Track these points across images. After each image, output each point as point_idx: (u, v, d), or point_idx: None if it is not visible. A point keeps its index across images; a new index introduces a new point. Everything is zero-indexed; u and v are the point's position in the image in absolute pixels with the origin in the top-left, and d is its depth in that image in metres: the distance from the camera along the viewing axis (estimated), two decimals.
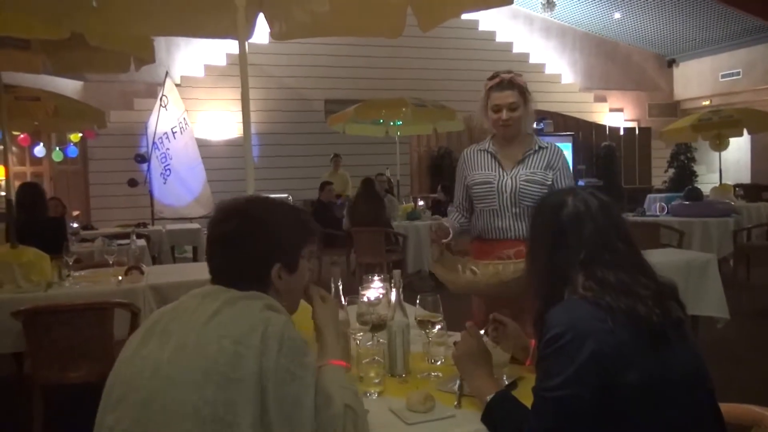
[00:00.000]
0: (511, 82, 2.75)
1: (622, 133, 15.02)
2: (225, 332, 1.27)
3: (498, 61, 13.67)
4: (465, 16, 13.17)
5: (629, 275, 1.40)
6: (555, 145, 2.89)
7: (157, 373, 1.26)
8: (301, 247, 1.50)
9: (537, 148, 2.83)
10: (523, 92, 2.76)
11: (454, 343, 1.75)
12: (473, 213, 2.90)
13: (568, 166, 2.89)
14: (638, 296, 1.36)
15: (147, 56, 4.35)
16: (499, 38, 14.75)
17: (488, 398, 1.49)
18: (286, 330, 1.30)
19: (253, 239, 1.43)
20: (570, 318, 1.35)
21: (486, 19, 14.44)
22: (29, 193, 4.95)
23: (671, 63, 16.33)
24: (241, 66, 2.43)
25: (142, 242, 6.08)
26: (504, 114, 2.74)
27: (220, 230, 1.45)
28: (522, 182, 2.74)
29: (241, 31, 2.42)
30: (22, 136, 9.33)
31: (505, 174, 2.79)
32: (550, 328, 1.36)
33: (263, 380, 1.23)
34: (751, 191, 10.82)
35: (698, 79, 15.69)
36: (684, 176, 14.29)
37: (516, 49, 14.77)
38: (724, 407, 1.46)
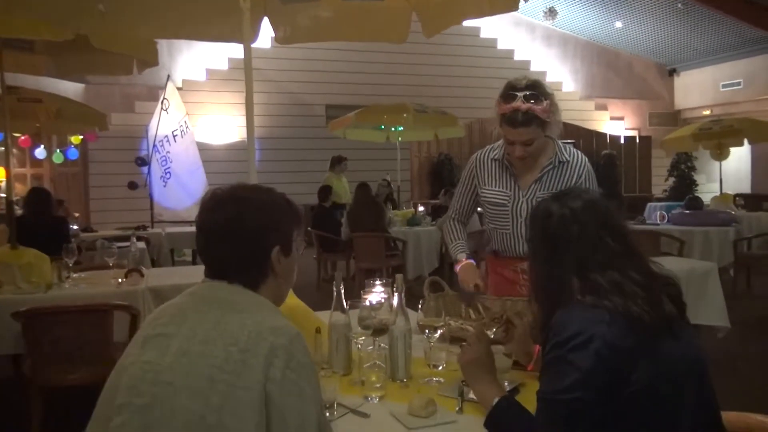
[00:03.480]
0: (527, 116, 2.26)
1: (622, 141, 15.05)
2: (232, 340, 1.24)
3: (499, 68, 13.72)
4: (467, 23, 13.18)
5: (621, 273, 1.42)
6: (578, 157, 2.50)
7: (159, 379, 1.24)
8: (293, 228, 1.46)
9: (557, 162, 2.45)
10: (542, 123, 2.30)
11: (461, 346, 1.75)
12: (485, 226, 2.65)
13: (592, 178, 2.49)
14: (629, 295, 1.38)
15: (150, 59, 4.36)
16: (500, 45, 14.80)
17: (493, 403, 1.49)
18: (295, 344, 1.27)
19: (251, 223, 1.38)
20: (575, 322, 1.36)
21: (488, 27, 14.50)
22: (38, 200, 4.99)
23: (672, 72, 16.39)
24: (246, 70, 2.43)
25: (141, 245, 6.08)
26: (517, 150, 2.35)
27: (216, 218, 1.39)
28: None
29: (246, 34, 2.43)
30: (23, 137, 9.34)
31: (520, 194, 2.47)
32: (556, 333, 1.37)
33: (269, 389, 1.21)
34: (751, 201, 10.83)
35: (699, 89, 15.74)
36: (684, 185, 14.32)
37: (517, 57, 14.82)
38: (730, 415, 1.47)
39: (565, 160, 2.46)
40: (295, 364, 1.24)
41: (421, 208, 8.92)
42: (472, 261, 2.55)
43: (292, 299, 2.28)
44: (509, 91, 2.30)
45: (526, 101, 2.25)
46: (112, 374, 1.34)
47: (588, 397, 1.31)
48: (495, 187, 2.53)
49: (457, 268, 2.55)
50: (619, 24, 14.58)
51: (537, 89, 2.29)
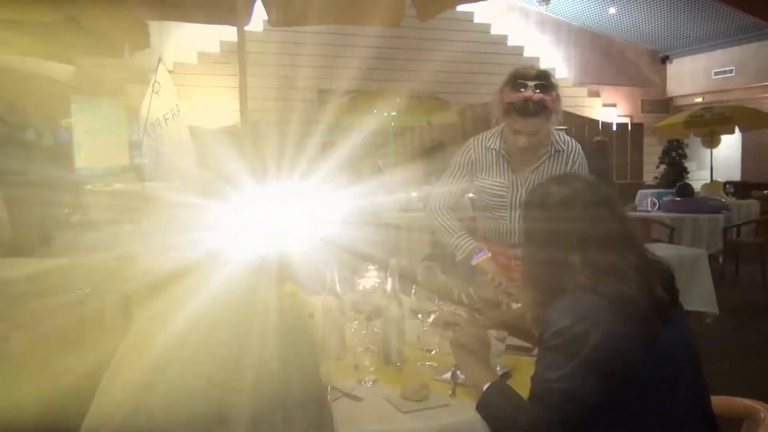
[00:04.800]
0: (538, 106, 2.23)
1: (614, 128, 15.04)
2: (238, 319, 1.26)
3: (492, 53, 13.66)
4: (460, 8, 13.12)
5: (618, 253, 1.42)
6: (572, 145, 2.50)
7: (162, 356, 1.24)
8: None
9: (554, 151, 2.45)
10: (549, 113, 2.28)
11: (453, 330, 1.75)
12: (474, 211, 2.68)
13: (585, 166, 2.51)
14: (625, 279, 1.38)
15: (142, 41, 4.30)
16: (493, 31, 14.70)
17: (484, 387, 1.50)
18: (301, 322, 1.31)
19: None
20: (575, 311, 1.36)
21: (481, 12, 14.40)
22: None
23: (665, 59, 16.36)
24: (239, 52, 2.41)
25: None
26: (522, 140, 2.33)
27: None
28: None
29: (240, 16, 2.40)
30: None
31: (518, 184, 2.46)
32: (556, 322, 1.37)
33: (273, 366, 1.21)
34: (741, 189, 10.89)
35: (691, 76, 15.73)
36: (675, 173, 14.33)
37: (511, 42, 14.74)
38: (718, 400, 1.48)
39: (561, 149, 2.46)
40: (300, 341, 1.28)
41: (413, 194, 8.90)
42: (489, 253, 2.50)
43: None
44: (518, 80, 2.26)
45: (536, 91, 2.23)
46: (116, 355, 1.35)
47: (585, 385, 1.32)
48: (493, 177, 2.51)
49: (475, 260, 2.49)
50: (612, 10, 14.54)
51: (546, 80, 2.28)
